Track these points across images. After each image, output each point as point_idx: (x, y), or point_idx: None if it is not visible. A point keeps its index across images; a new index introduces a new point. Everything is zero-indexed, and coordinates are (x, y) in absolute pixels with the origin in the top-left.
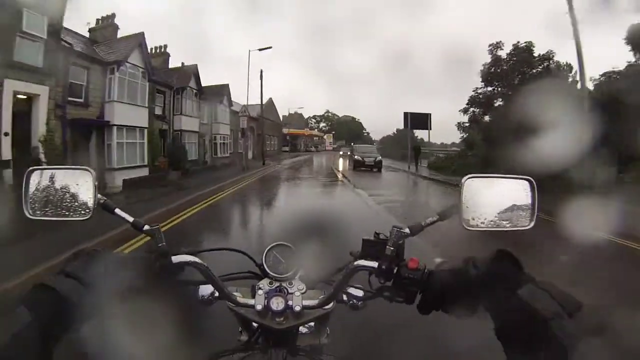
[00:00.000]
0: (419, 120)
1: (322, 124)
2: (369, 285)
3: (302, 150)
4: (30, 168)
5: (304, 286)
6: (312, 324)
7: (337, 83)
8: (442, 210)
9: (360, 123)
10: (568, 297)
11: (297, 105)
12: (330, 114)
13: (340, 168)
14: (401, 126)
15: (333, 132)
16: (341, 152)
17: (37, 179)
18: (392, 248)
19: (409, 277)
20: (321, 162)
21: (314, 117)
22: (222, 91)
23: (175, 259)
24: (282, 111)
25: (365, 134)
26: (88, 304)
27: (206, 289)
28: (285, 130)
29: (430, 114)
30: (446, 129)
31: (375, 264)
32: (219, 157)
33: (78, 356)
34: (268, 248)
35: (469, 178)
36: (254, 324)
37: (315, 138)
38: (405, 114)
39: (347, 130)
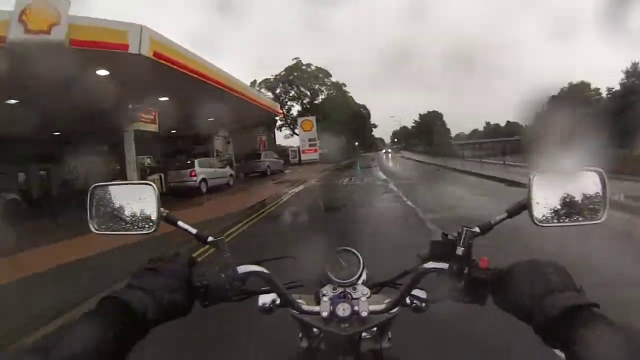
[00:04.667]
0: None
1: (289, 96)
2: (437, 288)
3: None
4: (94, 185)
5: (368, 291)
6: (374, 328)
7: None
8: (511, 207)
9: (365, 107)
10: None
11: None
12: (310, 67)
13: None
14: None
15: (315, 116)
16: None
17: (101, 195)
18: (462, 248)
19: (481, 277)
20: None
21: (269, 79)
22: None
23: (241, 269)
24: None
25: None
26: (156, 314)
27: (266, 298)
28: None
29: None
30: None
31: (445, 265)
32: None
33: None
34: (331, 253)
35: (537, 174)
36: (315, 331)
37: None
38: None
39: (344, 116)
